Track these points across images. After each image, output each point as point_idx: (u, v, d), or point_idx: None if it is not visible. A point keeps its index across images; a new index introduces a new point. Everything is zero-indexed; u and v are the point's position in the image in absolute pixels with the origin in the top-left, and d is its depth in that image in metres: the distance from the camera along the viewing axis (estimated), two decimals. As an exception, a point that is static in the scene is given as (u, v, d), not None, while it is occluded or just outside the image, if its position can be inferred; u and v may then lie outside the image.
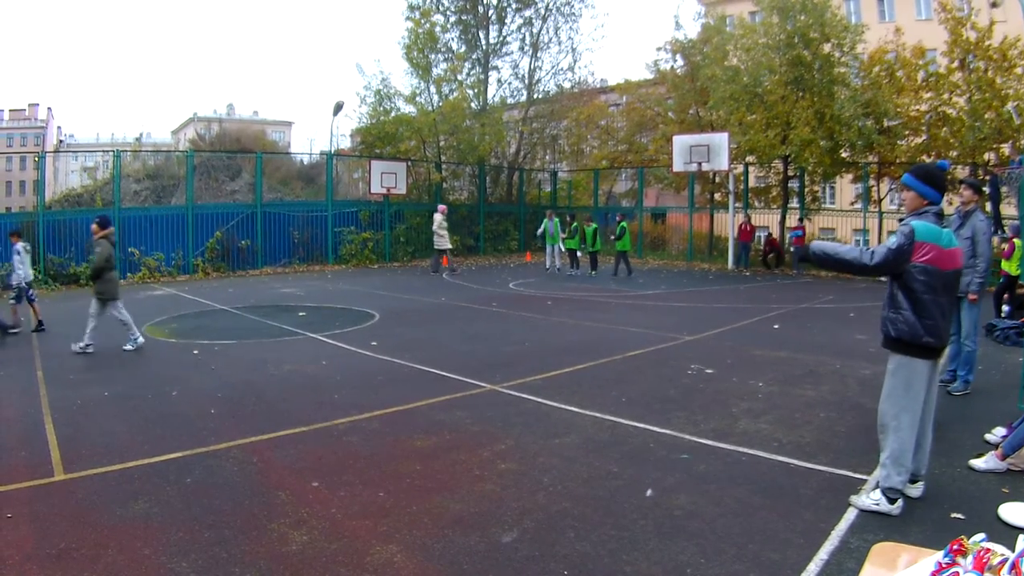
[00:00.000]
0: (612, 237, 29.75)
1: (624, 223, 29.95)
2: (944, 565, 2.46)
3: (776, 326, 16.78)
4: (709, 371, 11.89)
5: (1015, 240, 17.68)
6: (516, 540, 5.62)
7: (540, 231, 31.70)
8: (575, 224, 31.14)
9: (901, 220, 6.45)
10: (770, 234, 34.88)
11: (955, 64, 31.83)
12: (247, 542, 5.44)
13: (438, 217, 30.04)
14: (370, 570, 5.09)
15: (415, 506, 6.20)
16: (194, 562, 5.12)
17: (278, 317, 16.89)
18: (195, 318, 16.95)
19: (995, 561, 2.43)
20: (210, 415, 8.94)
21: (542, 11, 43.82)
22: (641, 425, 8.77)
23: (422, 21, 38.54)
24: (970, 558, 2.45)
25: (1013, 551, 2.47)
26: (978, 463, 7.37)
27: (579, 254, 31.35)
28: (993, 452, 7.40)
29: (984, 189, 28.33)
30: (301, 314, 17.51)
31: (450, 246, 30.57)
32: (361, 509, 6.14)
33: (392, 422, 8.82)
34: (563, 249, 31.58)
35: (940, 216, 6.26)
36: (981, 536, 2.60)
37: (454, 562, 5.23)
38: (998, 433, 8.26)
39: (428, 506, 6.21)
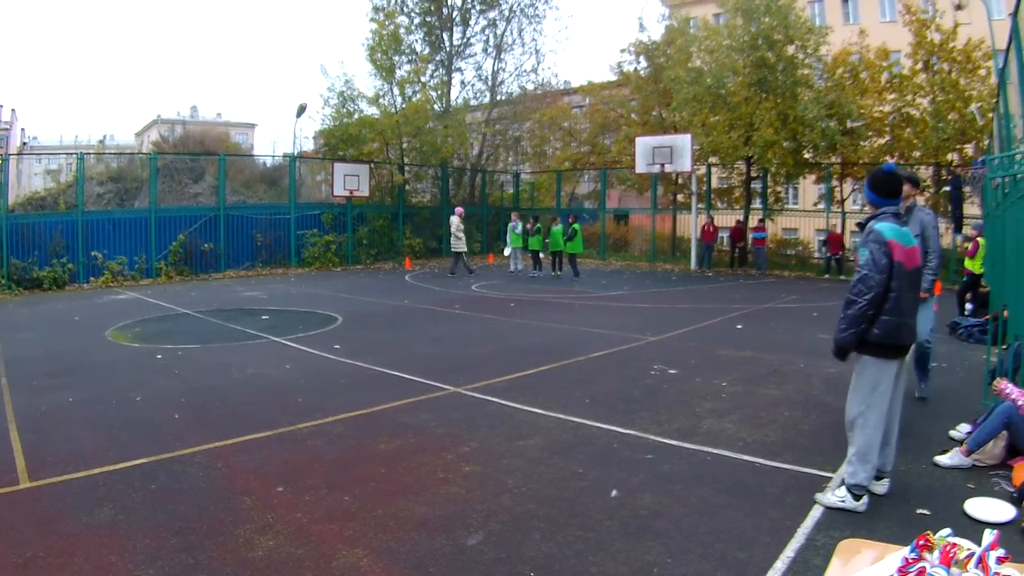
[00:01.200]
0: (564, 239, 29.79)
1: (576, 225, 29.99)
2: (911, 560, 2.49)
3: (739, 326, 16.88)
4: (673, 371, 11.95)
5: (979, 239, 17.85)
6: (482, 542, 5.63)
7: (509, 237, 31.64)
8: (538, 225, 31.22)
9: (859, 224, 6.57)
10: (737, 224, 35.10)
11: (919, 66, 32.33)
12: (213, 548, 5.42)
13: (455, 220, 30.03)
14: (336, 575, 5.10)
15: (380, 510, 6.21)
16: (161, 569, 5.10)
17: (241, 321, 16.81)
18: (158, 322, 16.84)
19: (961, 556, 2.46)
20: (174, 420, 8.89)
21: (506, 13, 43.87)
22: (605, 426, 8.82)
23: (386, 23, 38.33)
24: (936, 553, 2.48)
25: (979, 545, 2.50)
26: (943, 459, 7.48)
27: (541, 255, 31.43)
28: (958, 448, 7.50)
29: (939, 184, 28.60)
30: (264, 318, 17.46)
31: (465, 249, 30.60)
32: (326, 513, 6.14)
33: (356, 425, 8.81)
34: (508, 252, 31.84)
35: (897, 216, 6.37)
36: (947, 531, 2.63)
37: (420, 565, 5.24)
38: (963, 429, 8.39)
39: (393, 509, 6.22)
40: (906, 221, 8.60)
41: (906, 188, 9.08)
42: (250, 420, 8.90)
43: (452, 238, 30.03)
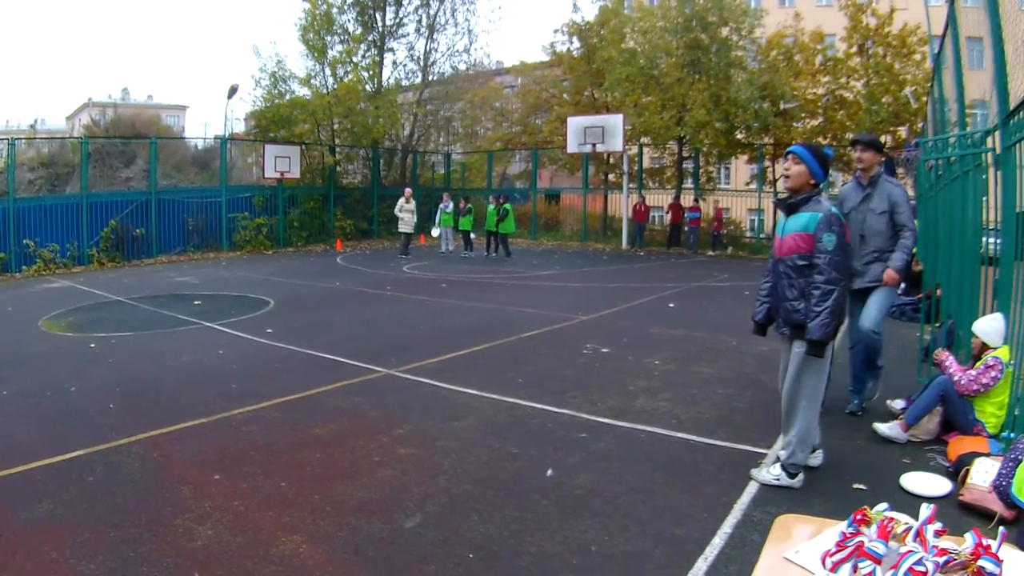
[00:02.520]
0: (496, 219, 29.98)
1: (508, 205, 30.17)
2: (848, 535, 2.50)
3: (671, 305, 17.08)
4: (605, 350, 12.08)
5: None
6: (420, 525, 5.68)
7: (440, 218, 31.68)
8: (469, 206, 31.39)
9: (781, 203, 6.54)
10: (676, 202, 35.31)
11: (854, 49, 32.90)
12: (153, 540, 5.41)
13: (401, 200, 30.27)
14: (276, 562, 5.11)
15: (317, 495, 6.23)
16: (102, 563, 5.08)
17: (174, 307, 16.64)
18: (91, 310, 16.61)
19: (899, 529, 2.48)
20: (109, 410, 8.80)
21: (439, -8, 43.55)
22: (539, 406, 8.90)
23: (319, 2, 38.20)
24: (874, 527, 2.49)
25: (916, 520, 2.56)
26: (882, 427, 7.68)
27: (472, 236, 31.60)
28: (897, 421, 7.67)
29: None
30: (196, 303, 17.30)
31: (411, 230, 30.65)
32: (264, 500, 6.14)
33: (290, 410, 8.81)
34: (436, 232, 32.07)
35: (822, 194, 6.40)
36: (884, 506, 2.66)
37: (359, 550, 5.28)
38: (898, 404, 8.57)
39: (330, 494, 6.25)
40: (868, 196, 8.37)
41: (867, 155, 8.48)
42: (185, 408, 8.84)
43: (400, 221, 30.17)
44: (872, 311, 8.36)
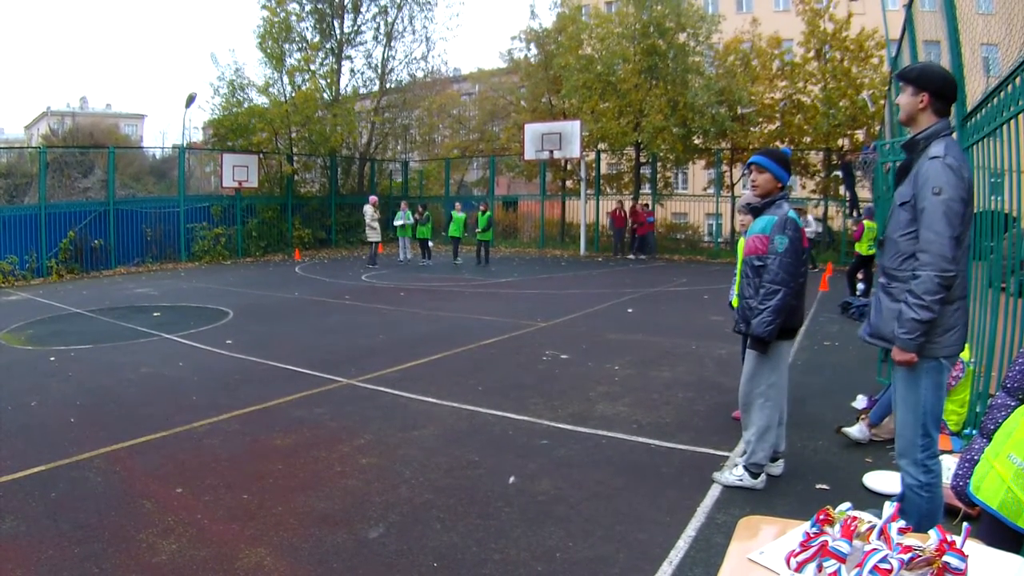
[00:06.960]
0: (476, 228, 30.02)
1: (489, 213, 30.23)
2: (812, 535, 2.54)
3: (630, 310, 17.16)
4: (564, 356, 12.15)
5: (864, 222, 18.33)
6: (383, 535, 5.70)
7: (400, 223, 31.51)
8: (427, 213, 31.44)
9: (751, 207, 6.73)
10: (636, 206, 35.03)
11: (811, 54, 33.07)
12: (117, 555, 5.38)
13: (369, 209, 30.07)
14: (241, 575, 5.12)
15: (280, 507, 6.23)
16: (66, 580, 5.05)
17: (133, 319, 16.52)
18: (51, 323, 16.45)
19: (863, 528, 2.49)
20: (71, 425, 8.73)
21: (398, 0, 43.60)
22: (499, 413, 8.97)
23: (277, 10, 38.01)
24: (838, 526, 2.51)
25: (880, 518, 2.59)
26: (852, 430, 7.75)
27: (430, 244, 31.61)
28: (864, 422, 7.77)
29: (829, 169, 28.95)
30: (156, 315, 17.17)
31: (379, 239, 30.58)
32: (227, 513, 6.13)
33: (251, 422, 8.79)
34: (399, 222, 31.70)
35: (787, 198, 6.53)
36: (847, 505, 2.67)
37: (323, 561, 5.29)
38: (860, 403, 8.77)
39: (293, 506, 6.25)
40: (910, 161, 4.80)
41: (903, 99, 4.83)
42: (146, 421, 8.78)
43: (367, 228, 30.09)
44: (898, 426, 5.28)
